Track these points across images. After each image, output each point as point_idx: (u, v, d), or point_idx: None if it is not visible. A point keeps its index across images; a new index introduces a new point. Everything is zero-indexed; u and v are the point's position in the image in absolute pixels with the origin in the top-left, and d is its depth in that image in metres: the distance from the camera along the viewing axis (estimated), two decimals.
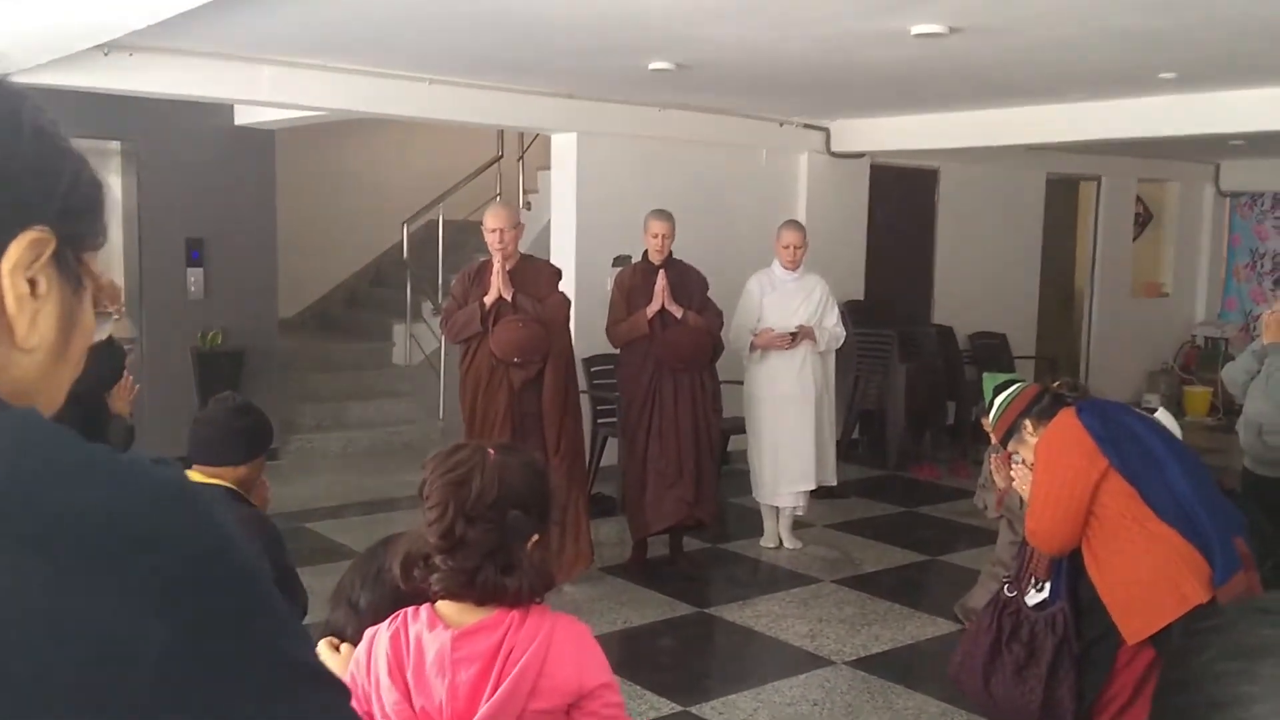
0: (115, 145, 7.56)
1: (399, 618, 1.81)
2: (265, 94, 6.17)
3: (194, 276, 7.71)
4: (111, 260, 7.68)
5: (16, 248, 0.78)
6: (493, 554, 1.74)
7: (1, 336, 0.80)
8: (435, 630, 1.75)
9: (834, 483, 6.49)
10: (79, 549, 0.69)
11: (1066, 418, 3.26)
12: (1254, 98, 6.41)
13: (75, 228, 0.84)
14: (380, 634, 1.80)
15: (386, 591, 1.98)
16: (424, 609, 1.79)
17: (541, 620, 1.76)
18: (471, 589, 1.75)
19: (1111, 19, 4.59)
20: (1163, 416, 3.71)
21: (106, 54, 5.41)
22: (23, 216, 0.79)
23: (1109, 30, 4.81)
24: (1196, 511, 3.02)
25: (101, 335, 0.96)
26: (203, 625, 0.72)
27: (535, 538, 1.79)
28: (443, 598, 1.78)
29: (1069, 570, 3.25)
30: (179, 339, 7.63)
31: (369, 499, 7.13)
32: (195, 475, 3.13)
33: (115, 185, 7.68)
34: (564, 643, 1.75)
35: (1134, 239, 11.16)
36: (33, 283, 0.80)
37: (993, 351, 9.63)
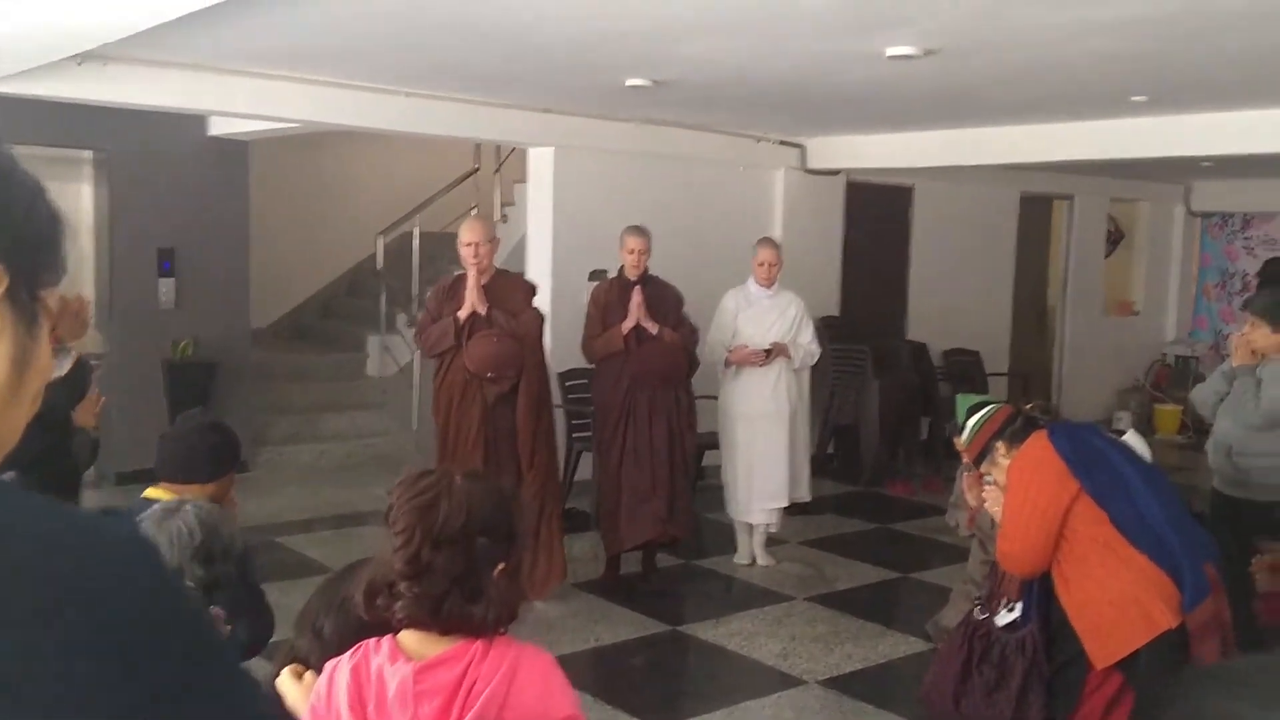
0: (87, 155, 7.49)
1: (360, 650, 1.78)
2: (242, 106, 6.13)
3: (165, 287, 7.64)
4: (82, 270, 7.61)
5: None
6: (460, 580, 1.73)
7: None
8: (397, 663, 1.73)
9: (808, 499, 6.51)
10: (28, 607, 0.68)
11: (1039, 440, 3.27)
12: (1224, 121, 6.48)
13: (30, 263, 0.82)
14: (341, 666, 1.77)
15: (351, 619, 1.96)
16: (385, 641, 1.76)
17: (506, 651, 1.74)
18: (437, 617, 1.73)
19: (1083, 43, 4.63)
20: (1132, 438, 3.73)
21: (80, 64, 5.36)
22: None
23: (1081, 54, 4.85)
24: (1166, 536, 3.04)
25: (60, 371, 0.95)
26: (155, 681, 0.71)
27: (502, 565, 1.77)
28: (406, 627, 1.76)
29: (1040, 593, 3.26)
30: (149, 349, 7.56)
31: (340, 512, 7.08)
32: (162, 492, 3.10)
33: (86, 195, 7.61)
34: (528, 674, 1.73)
35: (1106, 257, 11.26)
36: None
37: (966, 368, 9.68)
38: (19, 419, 0.84)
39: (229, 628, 2.50)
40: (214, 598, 2.46)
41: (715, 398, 6.37)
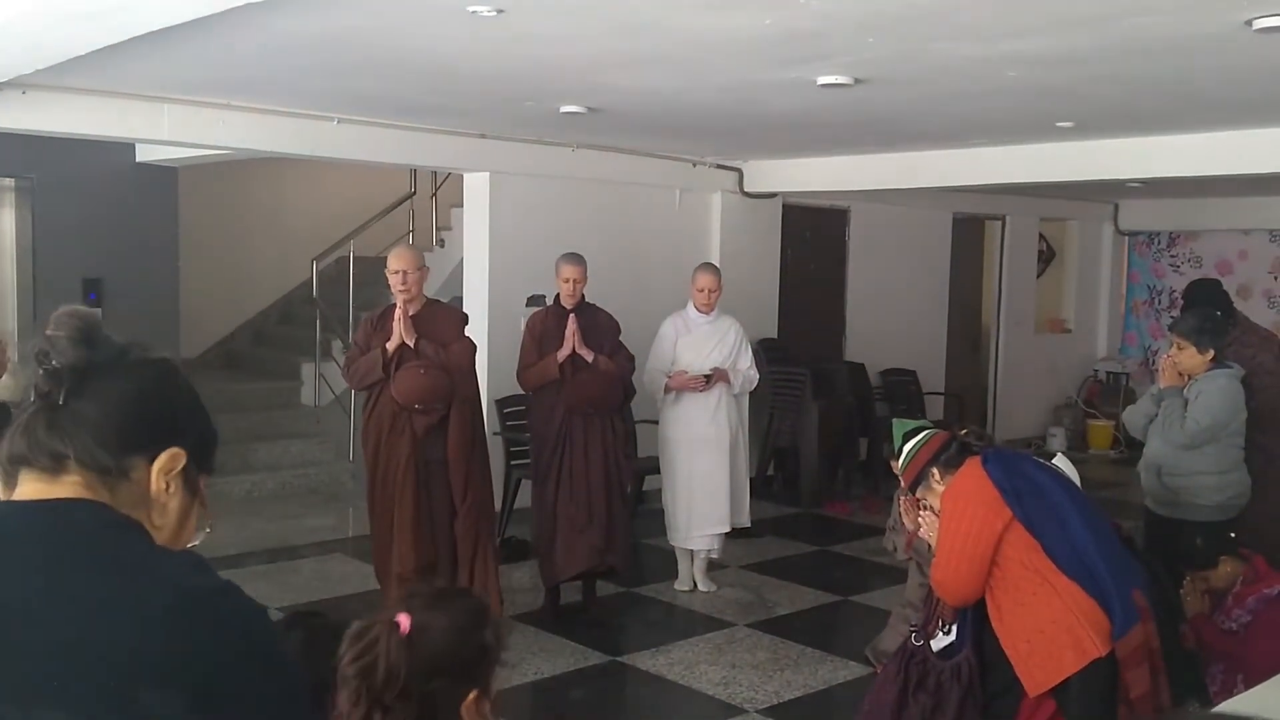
0: (9, 182, 7.31)
1: None
2: (167, 133, 6.00)
3: None
4: (3, 302, 7.41)
5: None
6: None
7: None
8: None
9: (748, 524, 6.49)
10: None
11: (972, 468, 3.29)
12: (1147, 145, 6.62)
13: (202, 453, 1.25)
14: None
15: None
16: None
17: None
18: None
19: (1006, 75, 4.71)
20: (1061, 463, 3.77)
21: None
22: None
23: (1005, 85, 4.94)
24: (1096, 564, 3.06)
25: None
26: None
27: (473, 694, 1.68)
28: None
29: (975, 620, 3.27)
30: None
31: (272, 546, 6.92)
32: None
33: (8, 223, 7.42)
34: None
35: (1038, 276, 11.45)
36: None
37: (903, 388, 9.76)
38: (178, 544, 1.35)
39: None
40: None
41: (656, 422, 6.35)
